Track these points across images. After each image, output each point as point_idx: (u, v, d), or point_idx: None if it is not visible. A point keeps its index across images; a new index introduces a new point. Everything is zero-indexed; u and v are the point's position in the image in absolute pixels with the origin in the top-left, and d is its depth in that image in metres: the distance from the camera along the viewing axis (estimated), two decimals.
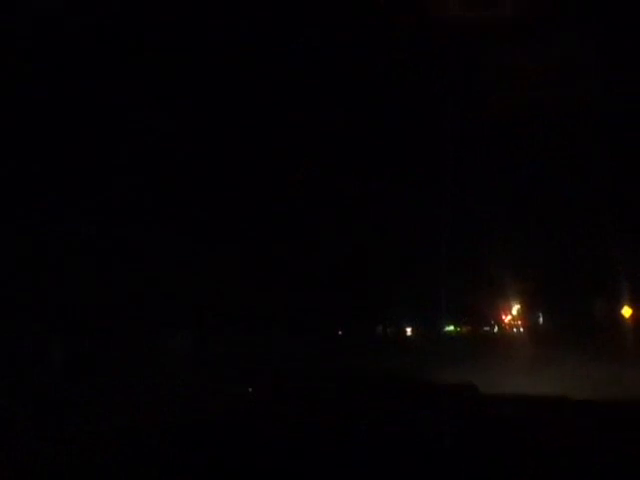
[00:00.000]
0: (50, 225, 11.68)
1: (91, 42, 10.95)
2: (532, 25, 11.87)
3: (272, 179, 13.74)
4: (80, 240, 12.25)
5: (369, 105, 13.40)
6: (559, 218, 15.90)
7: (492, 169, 14.86)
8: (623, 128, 13.01)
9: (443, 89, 12.66)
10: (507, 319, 27.44)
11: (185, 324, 13.42)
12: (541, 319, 25.11)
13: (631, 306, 17.20)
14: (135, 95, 11.71)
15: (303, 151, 13.64)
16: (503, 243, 16.47)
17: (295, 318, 15.17)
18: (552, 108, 12.98)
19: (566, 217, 15.75)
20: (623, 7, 11.14)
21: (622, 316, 17.17)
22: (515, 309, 27.10)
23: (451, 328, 25.52)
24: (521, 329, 26.01)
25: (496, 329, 26.99)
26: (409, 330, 22.49)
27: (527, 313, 25.86)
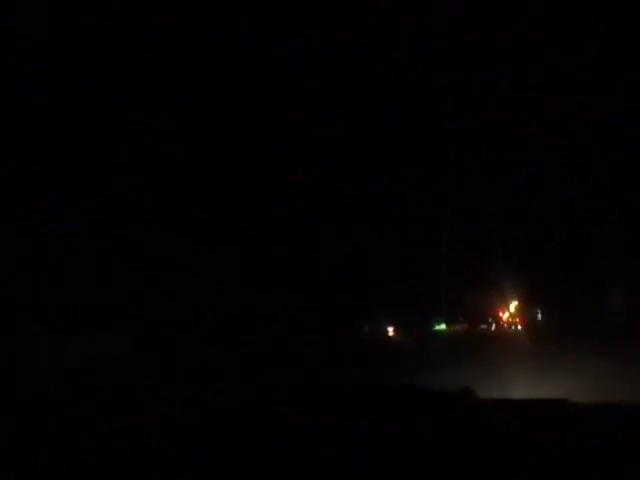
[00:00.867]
0: (49, 225, 11.68)
1: (91, 42, 10.95)
2: (532, 26, 11.88)
3: (272, 179, 13.74)
4: (78, 240, 12.25)
5: (369, 105, 13.41)
6: (559, 217, 15.91)
7: (492, 169, 14.86)
8: (623, 128, 13.01)
9: (443, 89, 12.67)
10: (505, 316, 26.86)
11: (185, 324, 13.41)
12: (539, 316, 24.56)
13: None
14: (135, 95, 11.72)
15: (303, 151, 13.64)
16: (502, 242, 16.43)
17: (294, 318, 15.09)
18: (552, 108, 12.99)
19: (566, 216, 15.76)
20: (623, 7, 11.15)
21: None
22: (512, 306, 26.50)
23: (442, 327, 24.10)
24: (519, 327, 25.45)
25: (493, 327, 26.25)
26: (391, 330, 20.36)
27: (525, 310, 25.39)
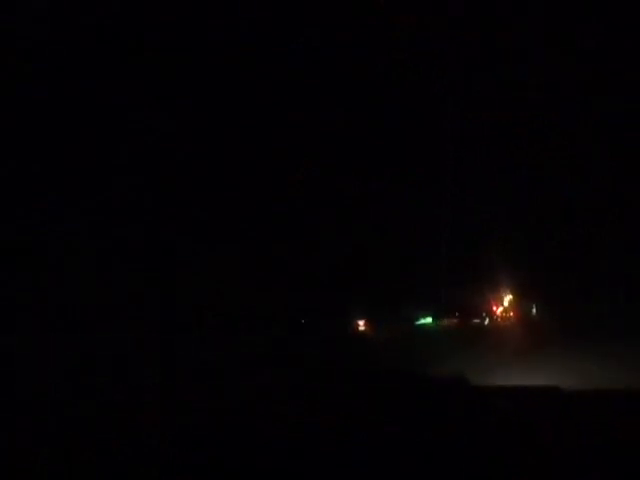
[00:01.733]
0: (48, 224, 11.68)
1: (91, 42, 10.96)
2: (532, 25, 11.89)
3: (272, 179, 13.75)
4: (77, 239, 12.25)
5: (369, 105, 13.42)
6: (557, 215, 15.94)
7: (492, 169, 14.88)
8: (623, 128, 13.03)
9: (443, 89, 12.69)
10: (499, 310, 26.46)
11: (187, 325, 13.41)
12: (534, 310, 24.42)
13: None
14: (135, 95, 11.72)
15: (303, 151, 13.66)
16: (497, 238, 16.42)
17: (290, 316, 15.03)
18: (552, 108, 13.00)
19: (564, 214, 15.78)
20: (624, 6, 11.16)
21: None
22: (507, 300, 26.06)
23: (428, 320, 21.09)
24: (513, 320, 25.11)
25: (487, 321, 25.72)
26: (362, 323, 19.77)
27: (519, 304, 25.15)
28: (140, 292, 13.01)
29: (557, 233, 16.32)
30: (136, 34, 11.11)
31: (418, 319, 20.53)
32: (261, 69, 12.21)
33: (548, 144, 14.16)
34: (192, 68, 12.05)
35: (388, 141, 14.48)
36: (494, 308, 27.48)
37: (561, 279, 17.57)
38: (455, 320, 26.42)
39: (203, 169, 13.36)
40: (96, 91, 11.41)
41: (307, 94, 13.17)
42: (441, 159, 13.51)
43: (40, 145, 11.63)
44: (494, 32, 11.71)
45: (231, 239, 14.27)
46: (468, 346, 13.73)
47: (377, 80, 13.00)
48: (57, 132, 11.60)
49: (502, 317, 26.36)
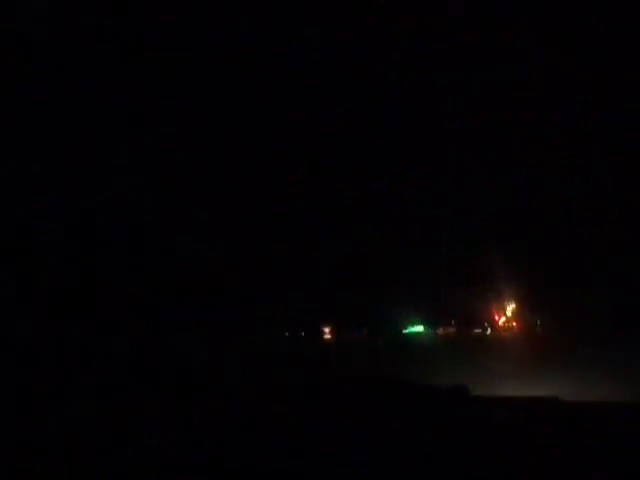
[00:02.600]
0: (48, 223, 11.68)
1: (91, 42, 10.96)
2: (531, 26, 11.88)
3: (272, 179, 13.74)
4: (78, 240, 12.24)
5: (369, 105, 13.41)
6: (559, 218, 15.85)
7: (492, 169, 14.86)
8: (623, 128, 13.01)
9: (443, 89, 12.68)
10: (501, 321, 24.82)
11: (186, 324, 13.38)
12: (539, 322, 22.76)
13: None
14: (135, 95, 11.72)
15: (303, 151, 13.64)
16: (500, 243, 16.23)
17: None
18: (552, 108, 12.99)
19: (566, 216, 15.69)
20: (624, 7, 11.15)
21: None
22: (510, 309, 24.39)
23: (418, 329, 19.50)
24: (516, 332, 23.18)
25: (489, 331, 23.85)
26: (327, 331, 16.38)
27: (522, 314, 23.55)
28: (139, 294, 13.00)
29: (557, 234, 16.19)
30: (136, 34, 11.12)
31: (406, 327, 18.67)
32: (261, 69, 12.21)
33: (548, 144, 14.14)
34: (192, 68, 12.05)
35: (388, 141, 14.48)
36: (496, 317, 25.46)
37: (568, 290, 16.96)
38: (452, 329, 24.08)
39: (202, 169, 13.35)
40: (96, 91, 11.41)
41: (307, 94, 13.17)
42: (441, 159, 13.49)
43: (40, 145, 11.62)
44: (494, 32, 11.69)
45: (230, 239, 14.26)
46: (467, 364, 11.06)
47: (377, 80, 13.00)
48: (57, 131, 11.59)
49: (504, 328, 24.28)
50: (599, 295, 16.08)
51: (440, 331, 21.32)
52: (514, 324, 24.14)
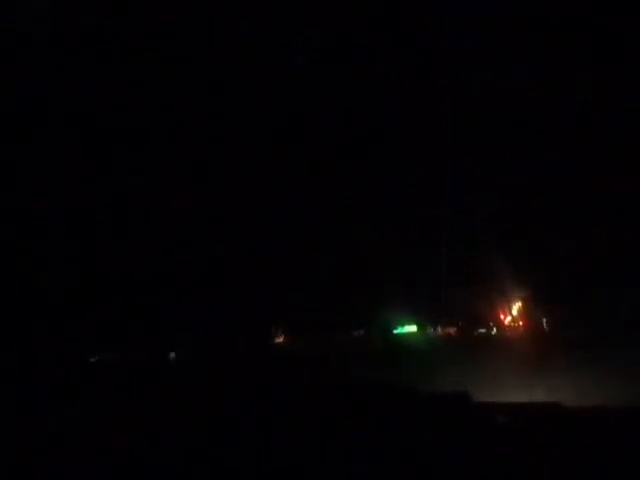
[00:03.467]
0: (45, 223, 11.66)
1: (91, 42, 10.95)
2: (531, 27, 11.88)
3: (272, 179, 13.73)
4: (78, 241, 12.23)
5: (369, 105, 13.41)
6: (563, 217, 15.75)
7: (492, 169, 14.86)
8: (623, 128, 13.00)
9: (443, 89, 12.68)
10: (507, 320, 23.96)
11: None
12: (545, 322, 21.77)
13: None
14: (135, 95, 11.71)
15: (303, 151, 13.64)
16: (503, 241, 16.09)
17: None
18: (552, 108, 12.98)
19: (570, 215, 15.60)
20: (624, 8, 11.15)
21: None
22: (515, 308, 23.50)
23: (411, 329, 18.10)
24: (521, 331, 22.16)
25: (494, 331, 23.47)
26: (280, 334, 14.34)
27: (528, 313, 22.68)
28: (140, 297, 12.99)
29: (562, 233, 16.07)
30: (136, 34, 11.11)
31: (396, 327, 17.32)
32: (261, 69, 12.21)
33: (549, 144, 14.14)
34: (192, 68, 12.04)
35: (388, 141, 14.47)
36: (502, 317, 24.43)
37: (576, 289, 16.48)
38: (453, 329, 22.68)
39: (202, 169, 13.35)
40: (96, 91, 11.41)
41: (307, 94, 13.17)
42: (441, 159, 13.49)
43: (40, 145, 11.62)
44: (494, 32, 11.69)
45: (230, 239, 14.25)
46: (466, 368, 9.58)
47: (377, 80, 12.99)
48: (56, 131, 11.59)
49: (510, 327, 23.36)
50: (609, 294, 15.55)
51: (439, 331, 20.26)
52: (520, 323, 23.29)
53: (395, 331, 17.46)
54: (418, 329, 17.69)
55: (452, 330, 21.49)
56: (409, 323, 17.56)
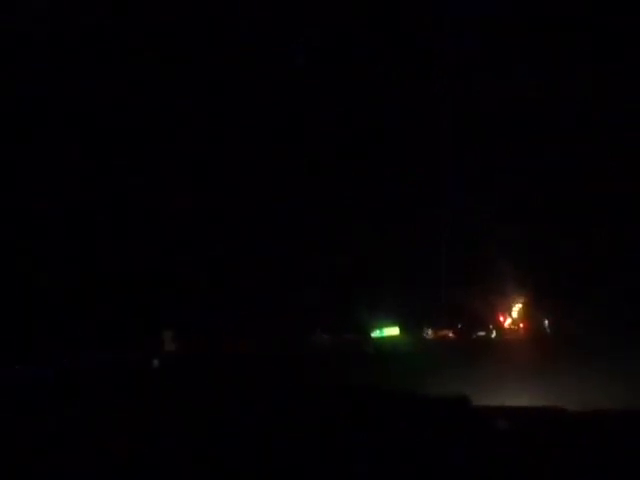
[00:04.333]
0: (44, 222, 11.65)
1: (91, 42, 10.95)
2: (531, 28, 11.88)
3: (272, 179, 13.73)
4: (79, 243, 12.22)
5: (369, 105, 13.40)
6: (563, 216, 15.65)
7: (492, 169, 14.86)
8: (623, 128, 13.00)
9: (443, 89, 12.67)
10: (507, 322, 23.05)
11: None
12: (546, 323, 20.54)
13: None
14: (135, 95, 11.70)
15: (303, 151, 13.63)
16: (502, 241, 15.94)
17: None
18: (552, 108, 12.98)
19: (570, 215, 15.51)
20: (623, 9, 11.15)
21: None
22: (516, 309, 22.52)
23: (393, 332, 16.41)
24: (522, 334, 20.88)
25: (494, 334, 21.48)
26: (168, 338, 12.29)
27: (529, 315, 21.98)
28: (140, 292, 12.99)
29: (563, 233, 15.93)
30: (136, 34, 11.10)
31: (375, 330, 15.61)
32: (261, 69, 12.21)
33: (549, 144, 14.13)
34: (192, 68, 12.04)
35: (388, 141, 14.47)
36: (501, 319, 23.55)
37: (578, 290, 15.88)
38: (448, 332, 19.96)
39: (203, 169, 13.34)
40: (96, 91, 11.40)
41: (307, 94, 13.17)
42: (441, 159, 13.48)
43: (41, 145, 11.61)
44: (494, 32, 11.69)
45: (230, 239, 14.24)
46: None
47: (377, 80, 13.00)
48: (56, 131, 11.57)
49: (511, 330, 22.63)
50: (609, 293, 14.94)
51: (429, 334, 18.92)
52: (521, 325, 22.57)
53: (375, 334, 15.93)
54: (401, 332, 16.12)
55: (447, 333, 20.46)
56: (391, 325, 16.08)
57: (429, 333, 18.46)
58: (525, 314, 21.93)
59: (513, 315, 22.76)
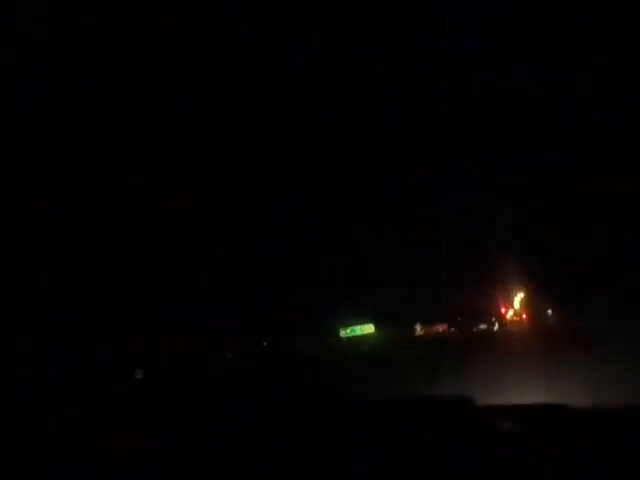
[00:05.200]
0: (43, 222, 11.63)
1: (91, 42, 10.93)
2: (531, 28, 11.86)
3: (270, 178, 13.72)
4: (78, 244, 12.20)
5: (369, 105, 13.40)
6: (563, 216, 15.64)
7: (492, 169, 14.85)
8: (623, 128, 12.99)
9: (443, 89, 12.67)
10: (509, 314, 22.08)
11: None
12: (550, 312, 19.17)
13: None
14: (135, 95, 11.69)
15: (303, 151, 13.62)
16: (502, 238, 15.88)
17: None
18: (552, 108, 12.97)
19: (570, 215, 15.48)
20: (623, 9, 11.13)
21: None
22: (518, 300, 21.40)
23: (367, 329, 14.27)
24: (525, 325, 19.47)
25: (496, 327, 20.18)
26: None
27: (533, 305, 20.46)
28: (138, 292, 12.97)
29: (571, 226, 15.79)
30: (137, 34, 11.09)
31: (345, 328, 13.36)
32: (261, 69, 12.19)
33: (549, 144, 14.13)
34: (192, 68, 12.03)
35: (388, 141, 14.47)
36: (503, 310, 22.61)
37: (581, 276, 15.33)
38: (442, 327, 18.93)
39: (203, 169, 13.33)
40: (96, 91, 11.39)
41: (307, 94, 13.15)
42: (441, 159, 13.48)
43: (40, 144, 11.59)
44: (494, 32, 11.68)
45: (227, 239, 14.23)
46: None
47: (377, 80, 12.99)
48: (56, 131, 11.56)
49: (513, 321, 21.68)
50: (609, 290, 14.41)
51: (418, 330, 17.37)
52: (523, 316, 21.51)
53: (344, 334, 13.54)
54: (376, 330, 13.72)
55: (439, 329, 19.14)
56: (363, 322, 13.80)
57: (418, 329, 16.61)
58: (528, 303, 20.77)
59: (515, 306, 21.87)
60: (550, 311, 19.52)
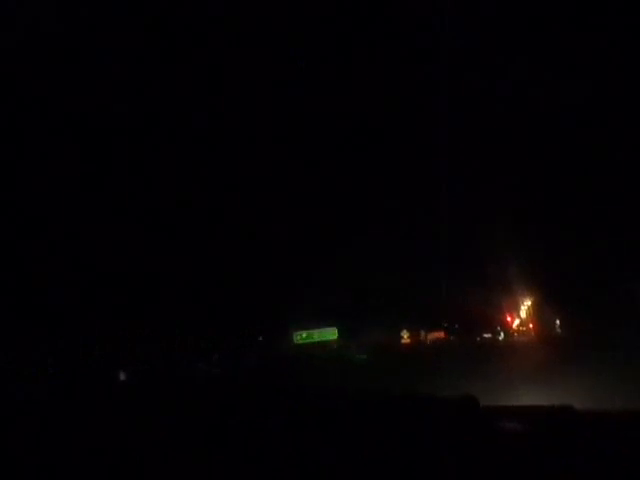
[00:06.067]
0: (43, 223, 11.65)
1: (91, 41, 10.95)
2: (531, 27, 11.87)
3: (268, 178, 13.72)
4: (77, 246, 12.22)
5: (369, 105, 13.40)
6: (564, 216, 15.54)
7: (492, 169, 14.84)
8: (623, 128, 13.00)
9: (442, 89, 12.67)
10: (515, 323, 21.36)
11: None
12: (558, 323, 18.78)
13: None
14: (135, 95, 11.71)
15: (303, 153, 13.64)
16: (504, 242, 15.71)
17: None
18: (553, 108, 12.98)
19: (570, 214, 15.41)
20: (623, 10, 11.15)
21: None
22: (524, 309, 20.77)
23: (329, 335, 12.40)
24: (532, 336, 19.00)
25: (502, 336, 19.68)
26: None
27: (539, 316, 20.12)
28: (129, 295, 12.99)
29: (570, 233, 15.73)
30: (137, 34, 11.11)
31: (301, 334, 12.09)
32: (262, 69, 12.21)
33: (550, 144, 14.12)
34: (192, 68, 12.04)
35: (388, 141, 14.48)
36: (509, 319, 21.83)
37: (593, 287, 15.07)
38: (439, 334, 18.39)
39: (202, 170, 13.34)
40: (96, 91, 11.41)
41: (307, 94, 13.17)
42: (441, 159, 13.48)
43: (40, 144, 11.61)
44: (494, 33, 11.69)
45: (224, 238, 14.24)
46: None
47: (377, 80, 12.99)
48: (56, 131, 11.58)
49: (519, 331, 20.79)
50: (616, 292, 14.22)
51: (405, 338, 16.04)
52: (530, 326, 20.89)
53: (299, 340, 12.32)
54: (337, 336, 12.38)
55: (437, 336, 18.26)
56: (326, 326, 12.39)
57: (405, 337, 15.87)
58: (534, 313, 20.17)
59: (521, 315, 21.20)
60: (558, 321, 18.62)
